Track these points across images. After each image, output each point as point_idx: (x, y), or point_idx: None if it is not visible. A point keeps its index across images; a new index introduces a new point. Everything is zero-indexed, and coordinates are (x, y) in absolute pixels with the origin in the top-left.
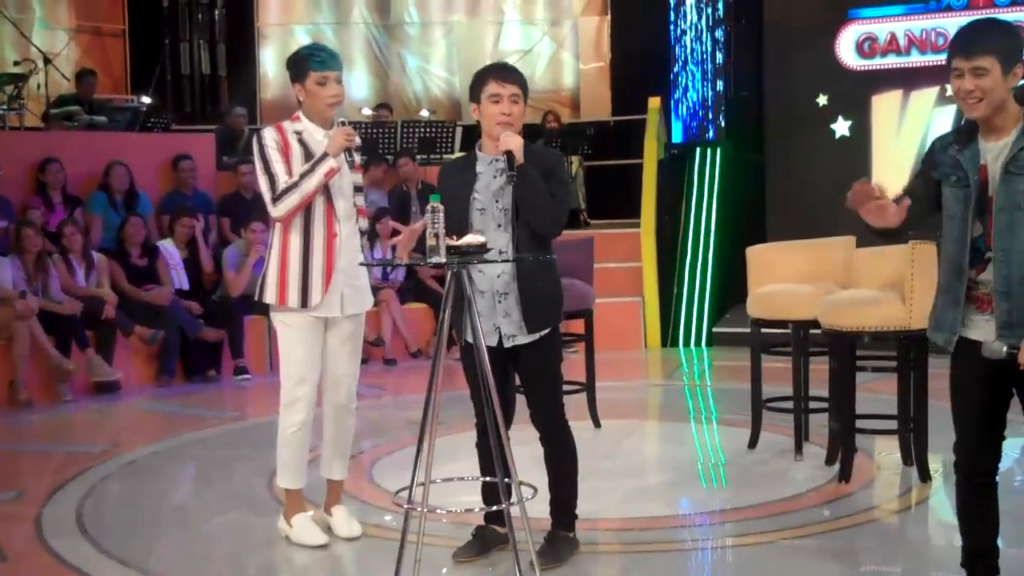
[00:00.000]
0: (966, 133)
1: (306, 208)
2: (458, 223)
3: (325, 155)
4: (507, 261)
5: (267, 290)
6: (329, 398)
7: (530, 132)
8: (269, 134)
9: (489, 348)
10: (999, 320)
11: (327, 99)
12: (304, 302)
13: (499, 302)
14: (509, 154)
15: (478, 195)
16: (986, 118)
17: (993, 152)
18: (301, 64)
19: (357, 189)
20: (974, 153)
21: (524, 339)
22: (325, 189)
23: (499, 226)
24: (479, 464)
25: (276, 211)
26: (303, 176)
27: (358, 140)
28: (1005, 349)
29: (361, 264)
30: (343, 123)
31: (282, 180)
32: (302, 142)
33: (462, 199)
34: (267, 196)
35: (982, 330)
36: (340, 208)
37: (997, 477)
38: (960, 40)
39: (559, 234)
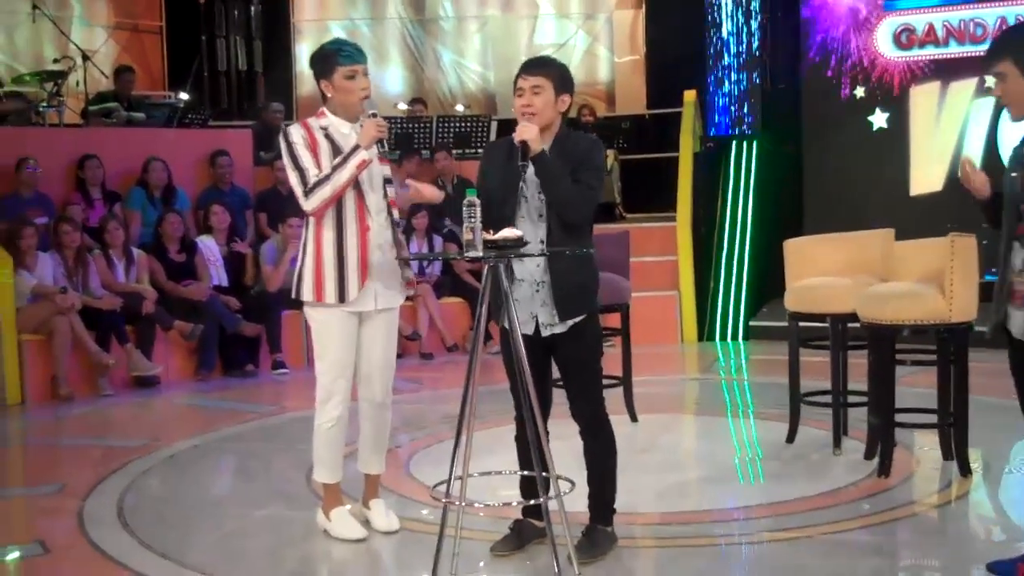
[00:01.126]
0: None
1: (337, 203)
2: (506, 213)
3: (357, 147)
4: (542, 255)
5: (304, 287)
6: (364, 394)
7: (568, 127)
8: (295, 131)
9: (526, 337)
10: None
11: (358, 92)
12: (342, 297)
13: (536, 291)
14: (523, 144)
15: (525, 184)
16: None
17: None
18: (329, 59)
19: (387, 181)
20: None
21: (560, 328)
22: (356, 183)
23: (540, 216)
24: (518, 457)
25: (308, 204)
26: (335, 168)
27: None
28: None
29: (399, 258)
30: (374, 115)
31: (312, 173)
32: (328, 137)
33: (511, 188)
34: (298, 190)
35: (1016, 324)
36: (371, 202)
37: None
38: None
39: (584, 220)
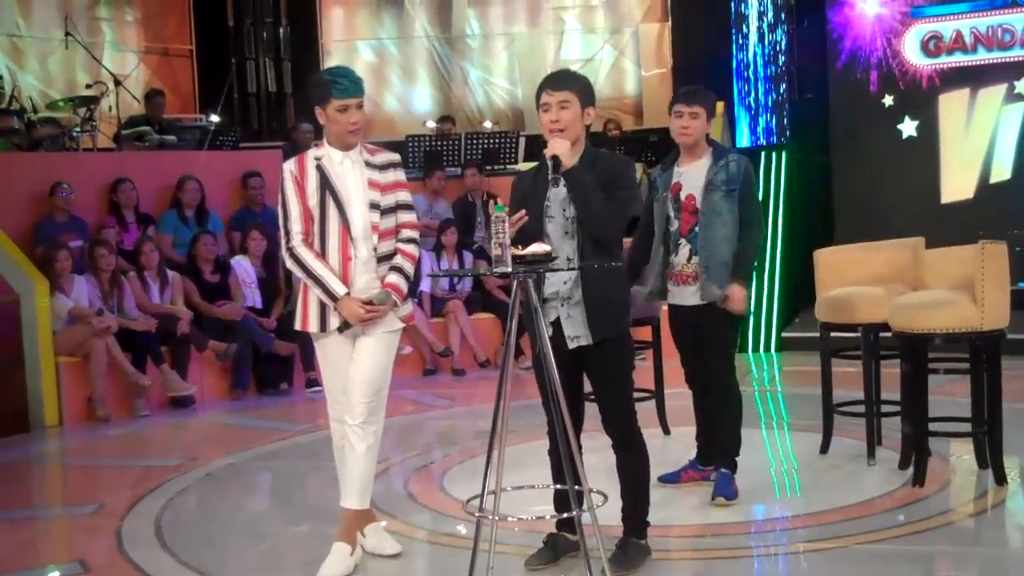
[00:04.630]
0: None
1: (322, 232)
2: (532, 231)
3: (336, 299)
4: (571, 269)
5: (296, 315)
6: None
7: (593, 141)
8: (287, 167)
9: (556, 350)
10: None
11: (347, 126)
12: (322, 326)
13: (561, 306)
14: (555, 159)
15: (549, 203)
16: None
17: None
18: (324, 89)
19: (373, 206)
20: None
21: (588, 342)
22: (340, 212)
23: (566, 233)
24: (551, 471)
25: (287, 258)
26: (318, 275)
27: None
28: None
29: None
30: (369, 302)
31: (293, 217)
32: (320, 167)
33: (536, 208)
34: (282, 230)
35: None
36: (357, 228)
37: None
38: None
39: (615, 237)
